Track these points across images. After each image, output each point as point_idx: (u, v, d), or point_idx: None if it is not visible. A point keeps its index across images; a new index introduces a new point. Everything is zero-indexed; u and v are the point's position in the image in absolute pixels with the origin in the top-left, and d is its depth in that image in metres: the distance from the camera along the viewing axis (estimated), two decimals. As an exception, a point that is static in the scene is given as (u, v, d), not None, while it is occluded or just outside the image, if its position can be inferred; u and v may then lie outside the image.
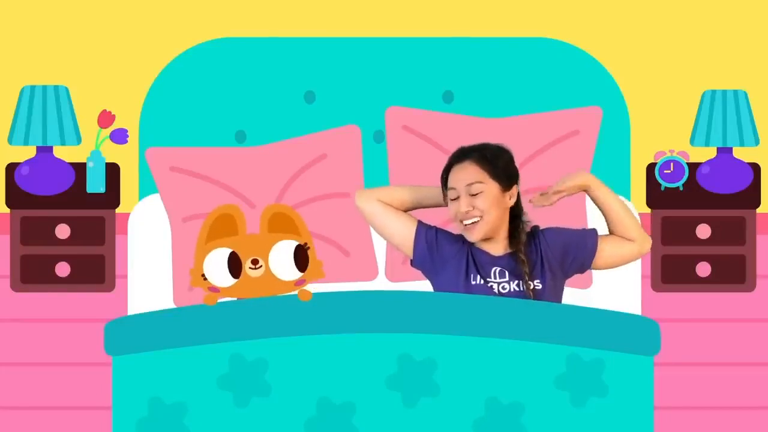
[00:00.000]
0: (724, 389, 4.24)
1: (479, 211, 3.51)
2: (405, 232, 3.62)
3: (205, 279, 3.40)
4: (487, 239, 3.57)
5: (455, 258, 3.58)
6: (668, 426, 4.16)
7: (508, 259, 3.56)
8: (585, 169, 3.89)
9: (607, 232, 3.63)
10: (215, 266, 3.38)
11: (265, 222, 3.44)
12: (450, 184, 3.54)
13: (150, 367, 3.29)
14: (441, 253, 3.59)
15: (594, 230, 3.63)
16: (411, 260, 3.64)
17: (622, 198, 3.65)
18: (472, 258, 3.57)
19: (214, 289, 3.39)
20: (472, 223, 3.52)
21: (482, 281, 3.54)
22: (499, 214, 3.54)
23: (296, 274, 3.42)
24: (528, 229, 3.60)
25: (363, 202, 3.66)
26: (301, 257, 3.42)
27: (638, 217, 3.72)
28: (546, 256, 3.57)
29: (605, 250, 3.60)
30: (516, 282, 3.53)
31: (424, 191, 3.66)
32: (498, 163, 3.54)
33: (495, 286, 3.53)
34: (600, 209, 3.64)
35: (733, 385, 4.24)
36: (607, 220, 3.63)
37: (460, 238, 3.60)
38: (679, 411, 4.22)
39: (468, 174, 3.52)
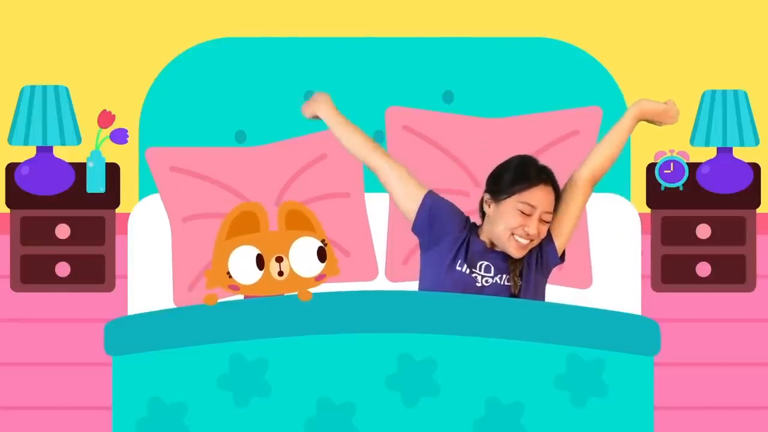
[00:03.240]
0: (724, 389, 4.24)
1: (539, 237, 3.53)
2: (410, 199, 3.60)
3: (230, 276, 3.39)
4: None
5: (451, 235, 3.58)
6: (668, 426, 4.16)
7: (499, 255, 3.58)
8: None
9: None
10: (242, 263, 3.38)
11: (282, 219, 3.44)
12: (531, 201, 3.51)
13: (150, 367, 3.29)
14: (441, 227, 3.58)
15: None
16: (411, 227, 3.65)
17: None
18: (467, 245, 3.58)
19: (234, 287, 3.39)
20: (526, 243, 3.53)
21: (467, 270, 3.55)
22: None
23: (316, 270, 3.43)
24: None
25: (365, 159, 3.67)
26: (320, 254, 3.43)
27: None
28: (528, 260, 3.60)
29: (562, 232, 3.61)
30: (499, 276, 3.55)
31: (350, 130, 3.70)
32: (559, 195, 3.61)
33: (478, 278, 3.55)
34: (615, 129, 3.64)
35: (733, 385, 4.24)
36: (608, 137, 3.64)
37: (465, 221, 3.61)
38: (679, 411, 4.22)
39: (550, 202, 3.54)
